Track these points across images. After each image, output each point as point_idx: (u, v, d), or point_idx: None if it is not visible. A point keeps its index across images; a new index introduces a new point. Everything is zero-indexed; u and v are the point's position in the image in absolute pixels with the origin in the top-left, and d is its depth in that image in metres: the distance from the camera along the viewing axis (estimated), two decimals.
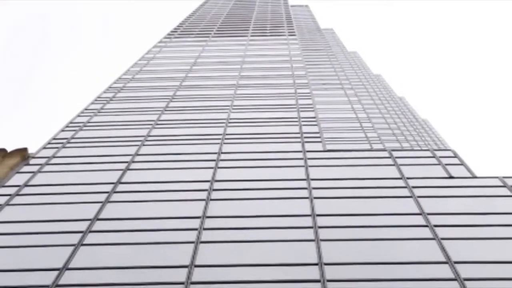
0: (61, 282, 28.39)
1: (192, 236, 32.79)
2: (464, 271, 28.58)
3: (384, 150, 46.64)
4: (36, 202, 37.91)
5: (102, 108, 62.62)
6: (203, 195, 37.99)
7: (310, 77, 75.45)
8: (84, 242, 32.21)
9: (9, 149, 49.73)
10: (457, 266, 29.02)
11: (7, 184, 41.36)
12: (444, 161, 44.37)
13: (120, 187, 39.83)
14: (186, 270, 29.23)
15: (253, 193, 38.42)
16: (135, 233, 33.21)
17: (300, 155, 45.76)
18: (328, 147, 48.36)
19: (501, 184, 39.27)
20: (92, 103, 65.08)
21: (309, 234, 32.62)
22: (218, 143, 49.18)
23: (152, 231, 33.31)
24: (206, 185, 39.72)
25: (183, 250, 31.17)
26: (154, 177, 41.52)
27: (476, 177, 40.57)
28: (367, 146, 48.98)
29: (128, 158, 45.82)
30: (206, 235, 32.76)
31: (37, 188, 40.29)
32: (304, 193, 38.11)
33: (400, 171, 41.68)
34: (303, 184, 39.69)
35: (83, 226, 34.27)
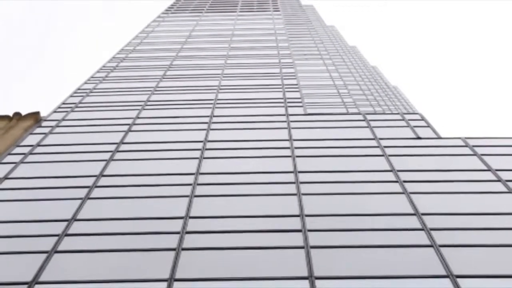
0: (70, 231, 28.25)
1: (187, 190, 32.64)
2: (430, 222, 28.51)
3: (359, 113, 46.48)
4: (47, 160, 37.76)
5: (106, 76, 62.30)
6: (197, 154, 37.84)
7: (292, 49, 75.12)
8: (90, 196, 32.04)
9: (23, 113, 49.57)
10: (424, 217, 28.95)
11: (21, 144, 41.19)
12: (412, 123, 44.25)
13: (123, 147, 39.61)
14: (181, 221, 29.11)
15: (241, 152, 38.27)
16: (136, 188, 33.04)
17: (283, 118, 45.58)
18: (309, 111, 48.07)
19: (463, 144, 39.17)
20: (98, 71, 64.73)
21: (292, 188, 32.48)
22: (210, 107, 48.96)
23: (151, 186, 33.14)
24: (199, 145, 39.54)
25: (179, 203, 31.02)
26: (153, 138, 41.33)
27: (441, 138, 40.44)
28: (344, 110, 48.70)
29: (130, 121, 45.60)
30: (199, 190, 32.61)
31: (49, 147, 40.11)
32: (287, 152, 37.96)
33: (373, 133, 41.53)
34: (286, 144, 39.54)
35: (89, 181, 34.10)
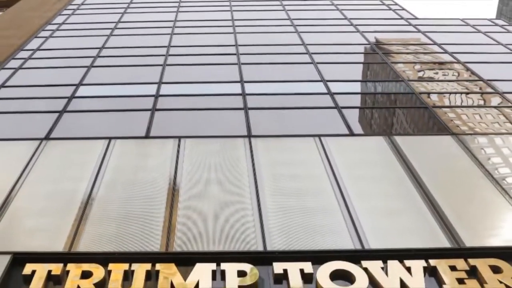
0: (95, 64, 27.03)
1: (169, 30, 31.36)
2: (312, 49, 27.67)
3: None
4: (80, 21, 35.83)
5: None
6: (169, 30, 35.82)
7: None
8: (100, 55, 30.60)
9: None
10: (308, 46, 28.06)
11: (62, 13, 38.67)
12: None
13: (120, 25, 37.70)
14: (165, 48, 27.97)
15: (199, 29, 36.65)
16: (137, 35, 31.59)
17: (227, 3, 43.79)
18: None
19: (332, 5, 37.94)
20: None
21: (230, 29, 31.35)
22: None
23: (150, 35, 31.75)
24: (171, 24, 37.24)
25: (164, 39, 29.85)
26: (144, 18, 39.34)
27: None
28: None
29: (123, 9, 43.46)
30: (176, 30, 31.34)
31: (71, 25, 37.97)
32: (231, 29, 36.50)
33: (285, 11, 40.11)
34: (229, 23, 37.93)
35: (94, 52, 32.56)
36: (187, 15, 35.44)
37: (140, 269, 12.09)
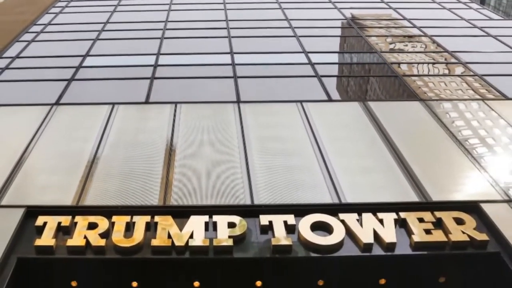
0: (101, 37, 26.43)
1: (166, 6, 30.63)
2: (295, 24, 27.08)
3: None
4: (76, 11, 34.92)
5: None
6: (166, 7, 34.97)
7: None
8: (105, 29, 29.82)
9: None
10: (291, 22, 27.46)
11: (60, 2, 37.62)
12: None
13: (123, 2, 36.68)
14: (163, 23, 27.30)
15: (190, 6, 35.76)
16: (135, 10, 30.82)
17: None
18: None
19: None
20: None
21: (221, 6, 30.66)
22: None
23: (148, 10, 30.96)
24: (168, 0, 36.30)
25: (162, 15, 29.16)
26: None
27: None
28: None
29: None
30: (173, 6, 30.61)
31: (77, 2, 36.99)
32: (221, 6, 35.63)
33: None
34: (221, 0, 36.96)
35: (99, 27, 31.76)
36: (179, 13, 34.77)
37: (141, 221, 11.92)
